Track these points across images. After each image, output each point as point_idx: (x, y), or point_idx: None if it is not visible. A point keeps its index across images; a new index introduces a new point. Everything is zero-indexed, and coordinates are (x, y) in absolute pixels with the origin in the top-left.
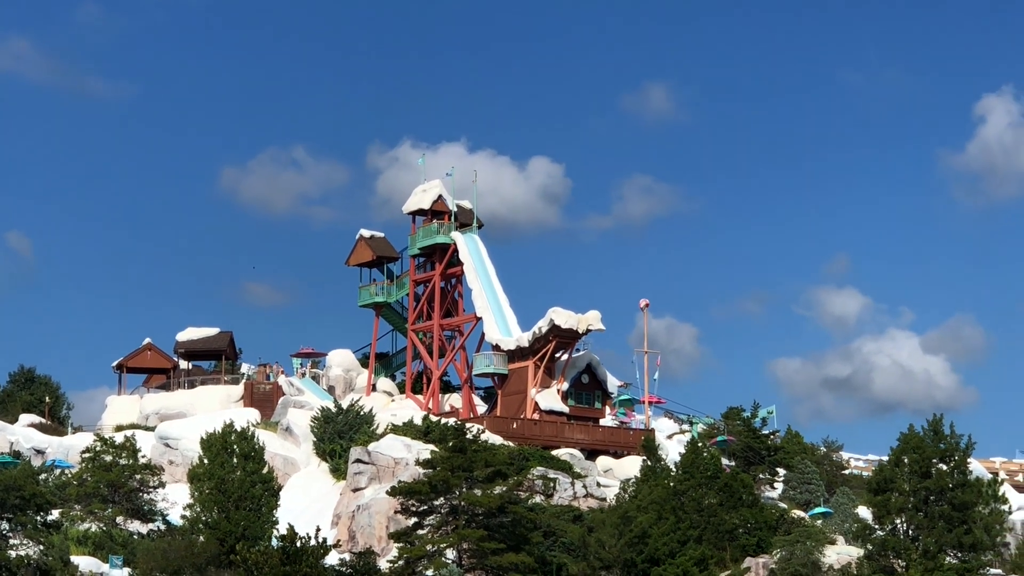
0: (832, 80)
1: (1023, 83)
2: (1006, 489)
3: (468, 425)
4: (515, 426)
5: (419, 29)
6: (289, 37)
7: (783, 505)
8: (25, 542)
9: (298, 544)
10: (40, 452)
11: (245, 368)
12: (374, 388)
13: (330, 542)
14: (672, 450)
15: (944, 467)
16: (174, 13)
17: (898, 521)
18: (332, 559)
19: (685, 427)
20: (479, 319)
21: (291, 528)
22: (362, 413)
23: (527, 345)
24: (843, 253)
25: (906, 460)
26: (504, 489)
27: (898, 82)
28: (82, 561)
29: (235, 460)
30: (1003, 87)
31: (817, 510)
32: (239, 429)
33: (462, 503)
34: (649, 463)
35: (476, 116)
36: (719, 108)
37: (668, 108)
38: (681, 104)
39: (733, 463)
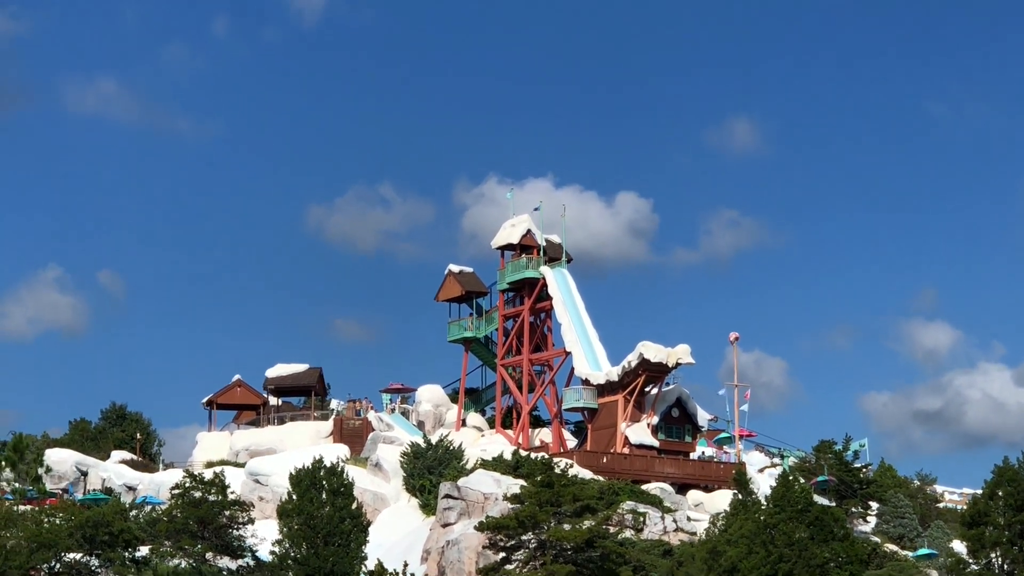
0: (917, 112)
1: None
2: None
3: (557, 460)
4: (605, 460)
5: (504, 65)
6: (373, 75)
7: (876, 539)
8: None
9: None
10: (131, 489)
11: (334, 404)
12: (464, 423)
13: None
14: (763, 484)
15: None
16: (258, 52)
17: (993, 555)
18: None
19: (776, 460)
20: (568, 353)
21: (380, 564)
22: (452, 448)
23: (617, 379)
24: (931, 286)
25: (1001, 493)
26: (593, 524)
27: (982, 114)
28: None
29: (324, 496)
30: None
31: (921, 551)
32: (328, 465)
33: (550, 538)
34: (740, 497)
35: (562, 151)
36: (802, 141)
37: (752, 142)
38: (765, 138)
39: (827, 500)
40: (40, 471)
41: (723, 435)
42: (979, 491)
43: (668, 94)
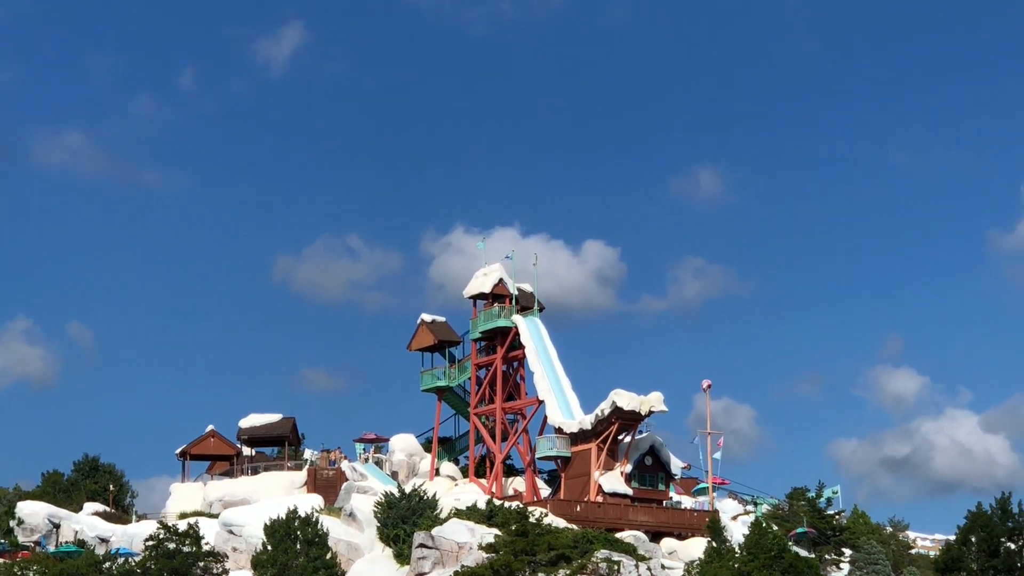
0: (881, 160)
1: None
2: None
3: (531, 508)
4: (578, 509)
5: (471, 115)
6: (340, 125)
7: None
8: None
9: None
10: (104, 540)
11: (308, 454)
12: (437, 472)
13: None
14: (736, 531)
15: (1013, 546)
16: (225, 104)
17: None
18: None
19: (749, 508)
20: (541, 402)
21: None
22: (425, 498)
23: (590, 428)
24: (896, 334)
25: (974, 539)
26: (567, 572)
27: (947, 162)
28: None
29: (299, 546)
30: None
31: None
32: (302, 515)
33: None
34: (714, 544)
35: (529, 201)
36: (768, 190)
37: (718, 191)
38: (731, 187)
39: (805, 551)
40: (12, 524)
41: (701, 486)
42: (951, 537)
43: (635, 143)
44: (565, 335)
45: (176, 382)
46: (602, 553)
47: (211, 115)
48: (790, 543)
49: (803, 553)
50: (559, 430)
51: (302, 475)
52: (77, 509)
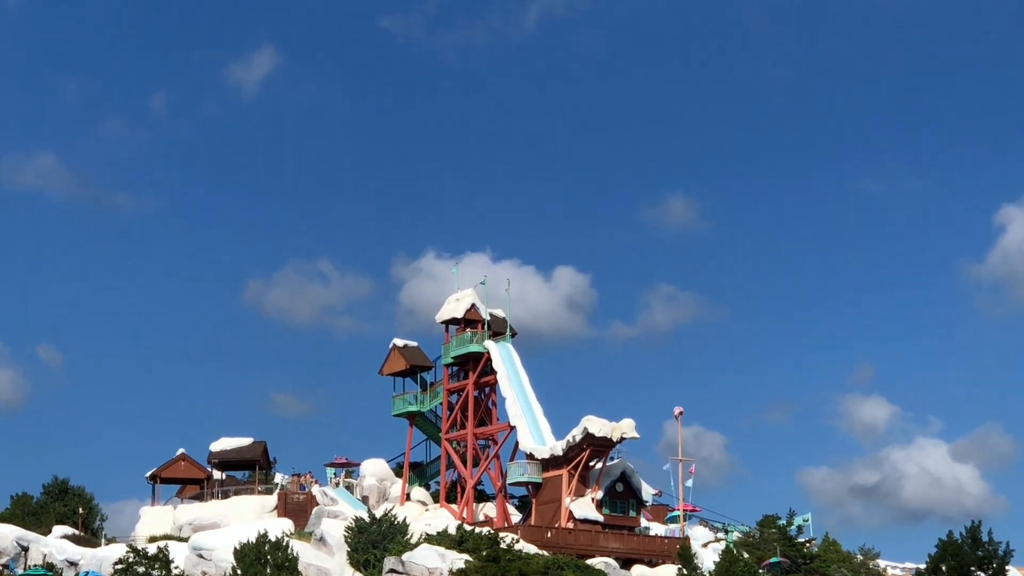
0: (853, 189)
1: None
2: None
3: (502, 535)
4: (549, 535)
5: (441, 142)
6: (312, 149)
7: None
8: None
9: None
10: (73, 564)
11: (279, 478)
12: (408, 497)
13: None
14: (707, 559)
15: (983, 574)
16: (196, 127)
17: None
18: None
19: (720, 535)
20: (513, 428)
21: None
22: (396, 523)
23: (561, 454)
24: (867, 362)
25: (944, 568)
26: None
27: (918, 191)
28: None
29: (269, 570)
30: (1022, 197)
31: None
32: (273, 539)
33: None
34: (685, 572)
35: (500, 226)
36: (739, 218)
37: (689, 218)
38: (702, 215)
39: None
40: None
41: (673, 513)
42: (922, 566)
43: (606, 170)
44: (536, 361)
45: (146, 405)
46: None
47: (183, 138)
48: (763, 572)
49: None
50: (530, 456)
51: (272, 499)
52: (46, 532)
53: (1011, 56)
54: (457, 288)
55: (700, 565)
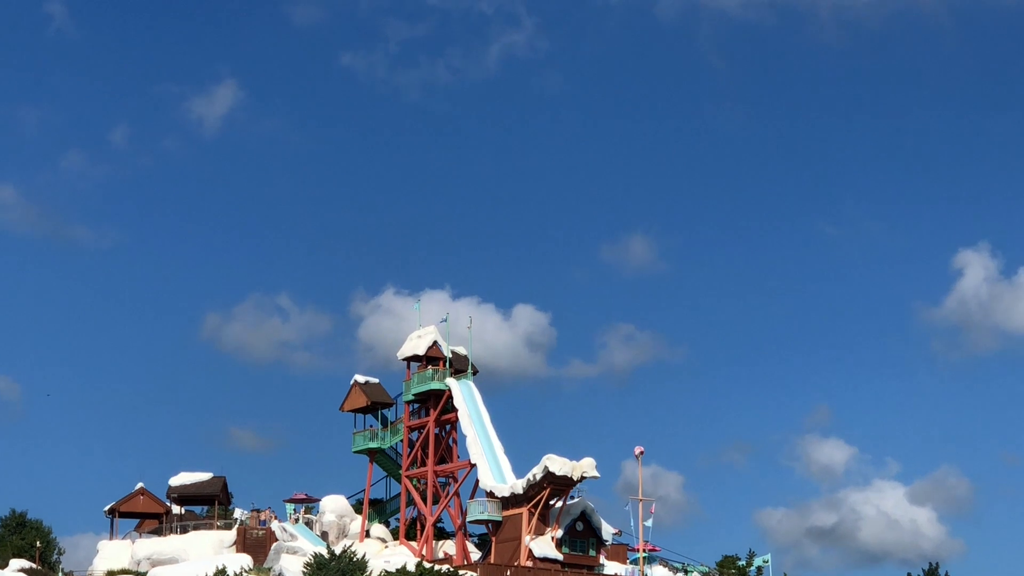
0: (811, 232)
1: (999, 239)
2: None
3: (462, 572)
4: (508, 574)
5: (401, 180)
6: (273, 185)
7: None
8: None
9: None
10: None
11: (238, 513)
12: (368, 534)
13: None
14: None
15: None
16: (158, 161)
17: None
18: None
19: (678, 572)
20: (474, 466)
21: None
22: (355, 559)
23: (521, 492)
24: (825, 404)
25: None
26: None
27: (875, 235)
28: None
29: None
30: (980, 242)
31: None
32: (232, 575)
33: None
34: None
35: (460, 264)
36: (698, 258)
37: (648, 258)
38: (661, 254)
39: None
40: None
41: (635, 555)
42: None
43: (566, 209)
44: (496, 399)
45: (105, 438)
46: None
47: (143, 172)
48: None
49: None
50: (490, 494)
51: (232, 534)
52: (3, 565)
53: (971, 101)
54: (419, 325)
55: None
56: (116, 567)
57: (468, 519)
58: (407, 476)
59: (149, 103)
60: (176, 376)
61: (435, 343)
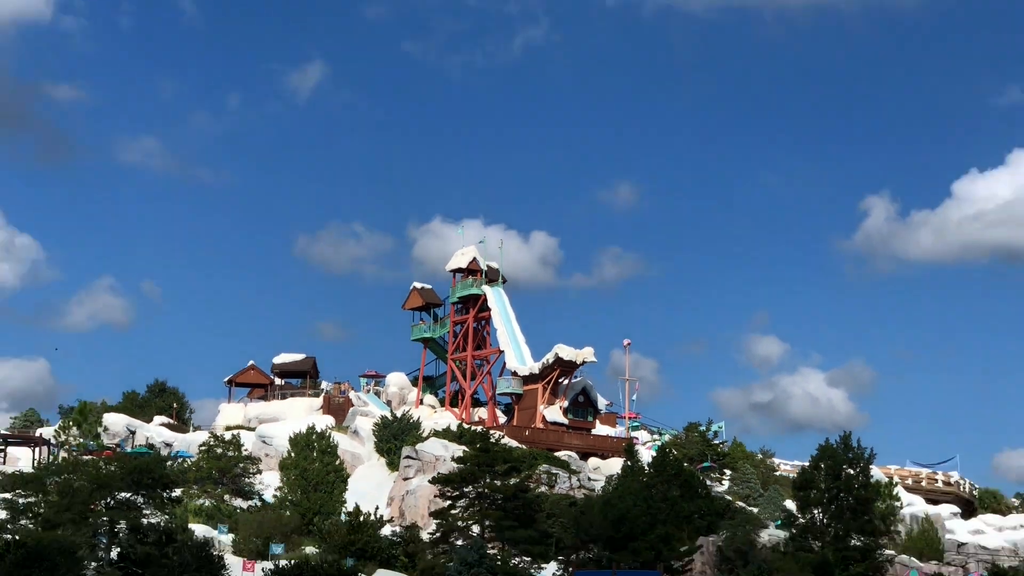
0: (754, 179)
1: (897, 187)
2: (899, 490)
3: (491, 432)
4: (527, 433)
5: (447, 136)
6: (349, 141)
7: (728, 497)
8: (155, 512)
9: (361, 519)
10: (168, 445)
11: (324, 385)
12: (421, 402)
13: (385, 518)
14: (646, 454)
15: (851, 471)
16: (263, 121)
17: (815, 511)
18: (386, 531)
19: (656, 437)
20: (502, 352)
21: (357, 507)
22: (412, 421)
23: (537, 372)
24: (764, 310)
25: (823, 465)
26: (517, 480)
27: (805, 181)
28: (197, 528)
29: (315, 454)
30: (882, 190)
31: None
32: (318, 431)
33: (485, 490)
34: (628, 463)
35: (491, 199)
36: (670, 199)
37: (633, 199)
38: (642, 196)
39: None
40: (99, 430)
41: (635, 424)
42: (806, 463)
43: (571, 160)
44: (518, 301)
45: (225, 326)
46: (544, 467)
47: (252, 128)
48: (696, 470)
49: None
50: (514, 373)
51: (319, 401)
52: (148, 420)
53: (880, 80)
54: (462, 245)
55: (641, 459)
56: (232, 423)
57: (497, 392)
58: (452, 359)
59: (257, 76)
60: (277, 282)
61: (474, 259)
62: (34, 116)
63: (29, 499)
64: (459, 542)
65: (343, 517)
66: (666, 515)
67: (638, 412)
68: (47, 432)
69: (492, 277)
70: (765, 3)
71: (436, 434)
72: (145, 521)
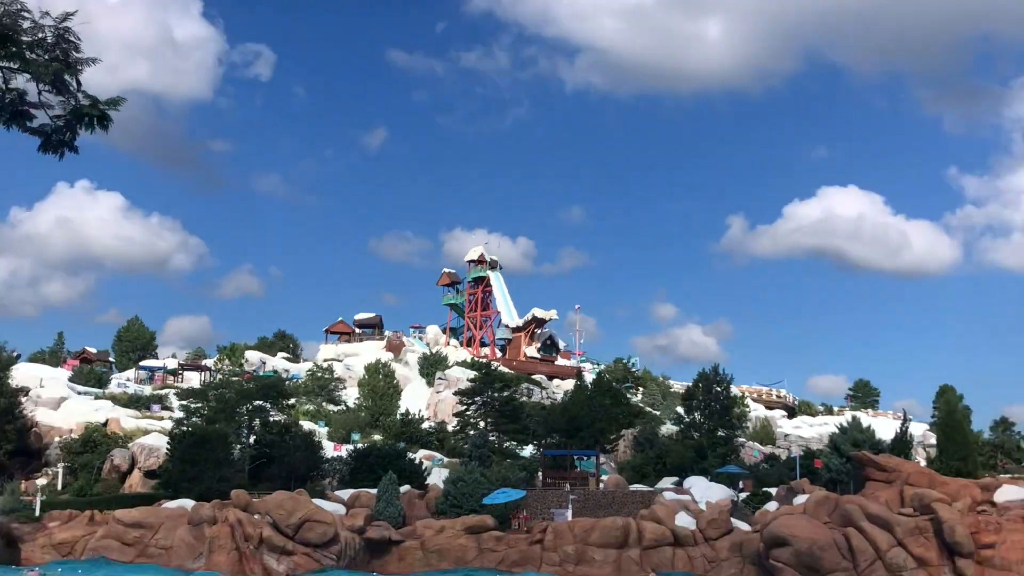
0: (658, 207)
1: (748, 210)
2: (748, 400)
3: (492, 363)
4: (515, 364)
5: (466, 173)
6: (401, 177)
7: (641, 405)
8: (277, 413)
9: (409, 417)
10: (287, 371)
11: (387, 333)
12: (448, 344)
13: (425, 417)
14: (588, 377)
15: (718, 389)
16: (349, 164)
17: (695, 414)
18: (425, 425)
19: (595, 366)
20: (498, 312)
21: (407, 410)
22: (442, 355)
23: (521, 325)
24: (663, 287)
25: (700, 385)
26: (508, 393)
27: (692, 206)
28: (305, 423)
29: (380, 377)
30: (739, 211)
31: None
32: (383, 362)
33: (488, 400)
34: (578, 383)
35: (492, 215)
36: (606, 218)
37: (582, 216)
38: (588, 215)
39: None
40: (243, 361)
41: (584, 359)
42: (690, 383)
43: (543, 190)
44: (508, 281)
45: (323, 297)
46: (525, 385)
47: (340, 170)
48: (623, 388)
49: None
50: (506, 326)
51: (383, 343)
52: (273, 355)
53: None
54: (474, 245)
55: (585, 380)
56: (328, 357)
57: (496, 337)
58: (468, 317)
59: (343, 136)
60: (357, 267)
61: (482, 254)
62: (199, 160)
63: (197, 405)
64: (471, 432)
65: (398, 416)
66: (602, 416)
67: (584, 351)
68: (208, 363)
69: (492, 266)
70: (664, 93)
71: (457, 364)
72: (271, 419)
